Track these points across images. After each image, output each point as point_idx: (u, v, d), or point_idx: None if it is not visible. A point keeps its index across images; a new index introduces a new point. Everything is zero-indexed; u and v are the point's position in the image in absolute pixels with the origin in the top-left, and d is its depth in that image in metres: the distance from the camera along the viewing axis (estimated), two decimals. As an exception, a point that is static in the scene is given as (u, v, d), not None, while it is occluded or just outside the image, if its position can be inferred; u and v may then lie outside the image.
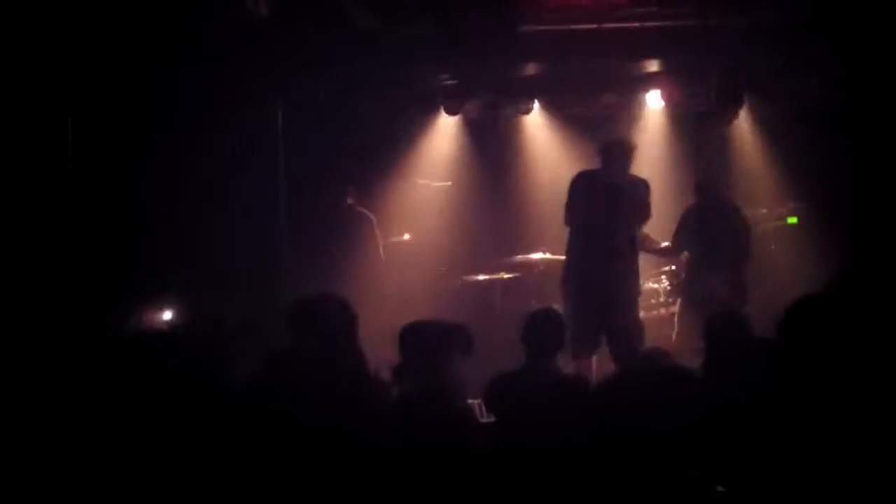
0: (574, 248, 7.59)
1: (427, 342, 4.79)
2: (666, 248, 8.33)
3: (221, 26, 6.76)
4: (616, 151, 7.54)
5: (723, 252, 8.00)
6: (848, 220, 8.59)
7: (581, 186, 7.49)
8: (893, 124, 8.09)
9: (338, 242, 8.61)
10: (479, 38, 7.83)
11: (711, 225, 8.13)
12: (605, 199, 7.40)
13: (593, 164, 7.64)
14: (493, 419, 5.05)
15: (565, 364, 5.59)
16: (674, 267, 8.93)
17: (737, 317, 5.07)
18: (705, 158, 9.61)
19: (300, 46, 7.41)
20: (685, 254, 8.42)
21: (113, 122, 6.83)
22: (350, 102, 8.52)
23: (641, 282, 8.59)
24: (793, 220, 9.50)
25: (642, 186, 7.58)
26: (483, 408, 5.04)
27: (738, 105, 9.73)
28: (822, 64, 8.51)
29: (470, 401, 4.92)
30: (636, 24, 8.02)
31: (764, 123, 9.83)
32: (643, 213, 7.54)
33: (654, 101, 9.87)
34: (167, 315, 6.73)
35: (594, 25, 7.99)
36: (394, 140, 9.57)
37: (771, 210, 9.53)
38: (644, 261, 8.52)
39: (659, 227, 8.38)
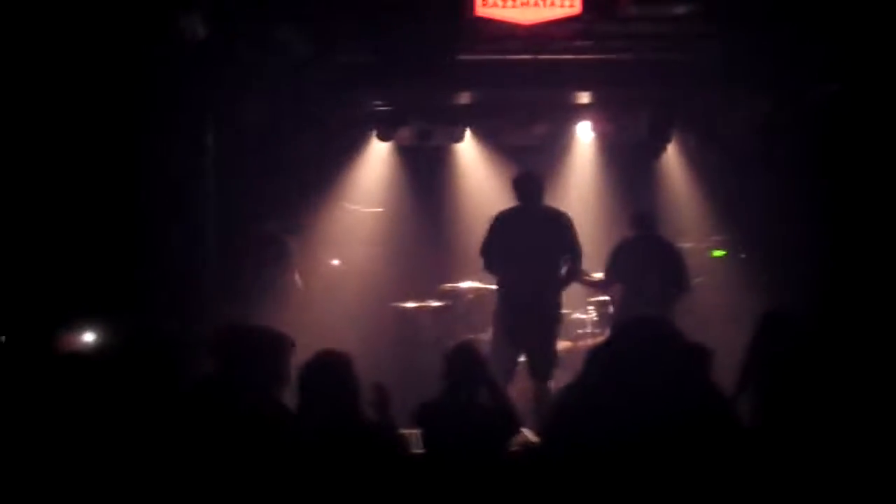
0: (498, 279, 7.66)
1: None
2: (599, 280, 8.34)
3: (158, 47, 6.72)
4: (527, 184, 7.62)
5: (654, 285, 7.99)
6: (774, 255, 8.72)
7: (501, 223, 7.55)
8: (813, 164, 8.24)
9: (254, 268, 8.43)
10: (414, 65, 7.84)
11: (644, 257, 8.12)
12: (524, 233, 7.47)
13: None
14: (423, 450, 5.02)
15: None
16: (606, 298, 8.86)
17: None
18: (634, 190, 9.68)
19: (235, 70, 7.35)
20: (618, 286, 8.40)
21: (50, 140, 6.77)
22: (283, 126, 8.44)
23: (569, 311, 8.62)
24: (719, 253, 9.60)
25: (563, 218, 7.63)
26: (420, 439, 4.99)
27: (667, 139, 9.88)
28: (750, 102, 8.70)
29: (406, 431, 4.87)
30: (570, 57, 8.09)
31: (692, 157, 9.96)
32: (565, 244, 7.56)
33: (584, 133, 9.97)
34: (89, 336, 6.58)
35: (528, 56, 8.05)
36: (326, 164, 9.50)
37: (697, 243, 9.59)
38: (574, 290, 8.56)
39: (588, 257, 8.43)
